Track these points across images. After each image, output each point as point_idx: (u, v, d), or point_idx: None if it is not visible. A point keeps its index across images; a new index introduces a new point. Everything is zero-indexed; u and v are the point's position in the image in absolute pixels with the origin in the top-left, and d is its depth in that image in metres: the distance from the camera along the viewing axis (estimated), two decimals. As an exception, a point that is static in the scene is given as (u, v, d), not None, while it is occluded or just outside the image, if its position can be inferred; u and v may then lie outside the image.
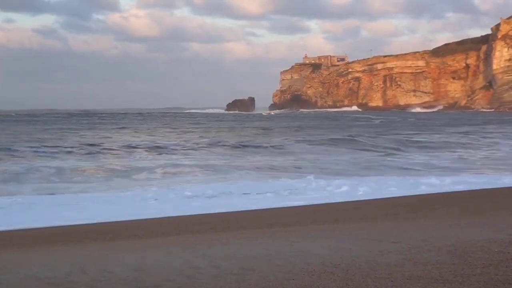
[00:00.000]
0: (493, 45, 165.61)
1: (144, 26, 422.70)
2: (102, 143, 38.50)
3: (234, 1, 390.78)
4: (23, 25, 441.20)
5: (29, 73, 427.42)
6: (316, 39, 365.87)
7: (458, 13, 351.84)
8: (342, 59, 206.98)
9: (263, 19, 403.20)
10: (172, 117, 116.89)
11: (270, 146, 37.20)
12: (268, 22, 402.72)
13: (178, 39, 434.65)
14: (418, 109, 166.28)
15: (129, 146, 35.84)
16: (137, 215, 13.77)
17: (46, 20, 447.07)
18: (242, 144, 38.63)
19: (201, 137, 47.76)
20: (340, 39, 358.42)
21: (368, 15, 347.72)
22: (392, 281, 5.61)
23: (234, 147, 37.03)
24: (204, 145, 37.68)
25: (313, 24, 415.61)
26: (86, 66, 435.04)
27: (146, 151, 33.61)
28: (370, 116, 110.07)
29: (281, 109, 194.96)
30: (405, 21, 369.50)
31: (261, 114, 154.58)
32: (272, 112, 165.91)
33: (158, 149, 34.61)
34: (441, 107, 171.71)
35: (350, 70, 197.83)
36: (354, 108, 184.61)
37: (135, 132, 56.74)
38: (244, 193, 17.32)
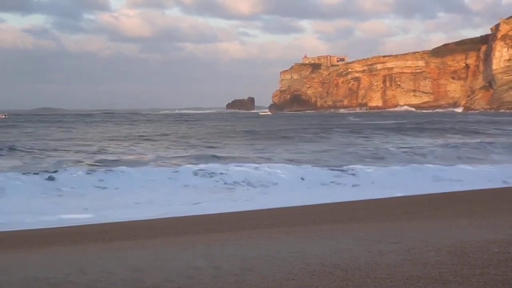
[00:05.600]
0: (493, 45, 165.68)
1: (136, 26, 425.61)
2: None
3: (224, 1, 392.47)
4: (15, 25, 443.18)
5: (23, 73, 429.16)
6: (311, 39, 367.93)
7: (450, 13, 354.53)
8: (342, 59, 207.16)
9: (254, 19, 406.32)
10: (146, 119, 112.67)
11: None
12: (260, 22, 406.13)
13: (172, 39, 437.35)
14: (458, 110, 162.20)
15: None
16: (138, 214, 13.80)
17: (37, 20, 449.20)
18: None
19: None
20: (334, 39, 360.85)
21: (359, 15, 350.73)
22: (391, 281, 5.61)
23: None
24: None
25: (305, 24, 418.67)
26: (81, 66, 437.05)
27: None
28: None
29: (281, 109, 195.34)
30: (398, 21, 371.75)
31: (258, 113, 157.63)
32: (270, 112, 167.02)
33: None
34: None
35: (349, 70, 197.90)
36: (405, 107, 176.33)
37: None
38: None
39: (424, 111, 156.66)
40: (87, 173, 20.55)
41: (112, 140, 44.37)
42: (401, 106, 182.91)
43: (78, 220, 13.19)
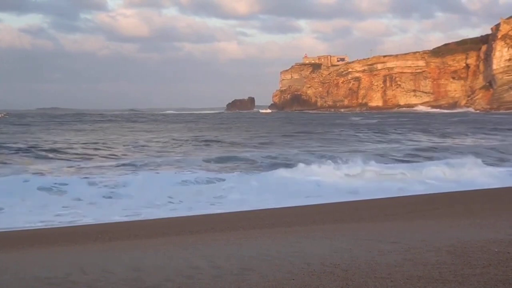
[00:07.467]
0: (493, 45, 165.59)
1: (134, 25, 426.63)
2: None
3: (221, 1, 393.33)
4: (12, 24, 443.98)
5: (21, 73, 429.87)
6: (310, 39, 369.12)
7: (446, 13, 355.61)
8: (342, 59, 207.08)
9: (251, 18, 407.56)
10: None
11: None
12: (258, 22, 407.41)
13: (169, 39, 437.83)
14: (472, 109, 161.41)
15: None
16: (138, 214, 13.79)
17: (34, 19, 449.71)
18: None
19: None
20: (332, 39, 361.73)
21: (356, 15, 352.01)
22: (392, 281, 5.61)
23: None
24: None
25: (303, 23, 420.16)
26: (79, 66, 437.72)
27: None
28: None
29: (282, 109, 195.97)
30: (395, 21, 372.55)
31: (258, 111, 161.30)
32: (269, 110, 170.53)
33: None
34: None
35: (350, 70, 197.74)
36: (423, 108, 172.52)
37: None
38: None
39: (445, 111, 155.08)
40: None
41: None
42: (401, 106, 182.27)
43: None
